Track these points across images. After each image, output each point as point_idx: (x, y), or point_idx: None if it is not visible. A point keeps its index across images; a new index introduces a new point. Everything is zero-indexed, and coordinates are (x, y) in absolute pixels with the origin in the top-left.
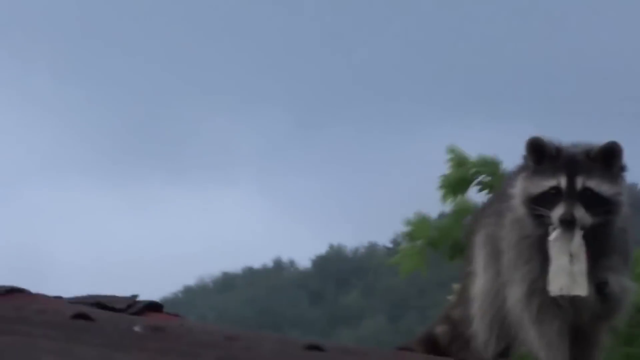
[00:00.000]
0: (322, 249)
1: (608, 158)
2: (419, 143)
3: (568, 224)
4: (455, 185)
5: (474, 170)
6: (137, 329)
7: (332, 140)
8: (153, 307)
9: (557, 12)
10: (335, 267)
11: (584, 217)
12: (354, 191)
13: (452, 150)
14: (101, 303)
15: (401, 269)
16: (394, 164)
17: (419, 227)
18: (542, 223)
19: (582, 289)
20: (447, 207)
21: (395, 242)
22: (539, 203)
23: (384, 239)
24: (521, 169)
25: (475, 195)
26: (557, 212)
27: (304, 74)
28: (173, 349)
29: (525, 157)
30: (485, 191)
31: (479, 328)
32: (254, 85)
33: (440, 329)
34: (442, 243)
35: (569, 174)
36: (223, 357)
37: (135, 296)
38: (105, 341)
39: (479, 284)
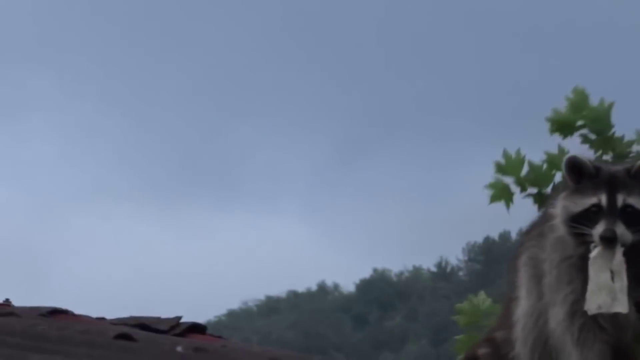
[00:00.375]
0: (366, 273)
1: None
2: (464, 169)
3: (609, 241)
4: (560, 126)
5: (583, 121)
6: (179, 349)
7: (377, 166)
8: (196, 328)
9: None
10: (380, 291)
11: (625, 234)
12: (398, 216)
13: (577, 91)
14: (144, 324)
15: (490, 196)
16: (439, 189)
17: (513, 163)
18: (584, 242)
19: (622, 306)
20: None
21: (439, 266)
22: (580, 221)
23: (429, 263)
24: (561, 188)
25: (577, 146)
26: (598, 230)
27: (349, 102)
28: None
29: (564, 177)
30: (587, 146)
31: (522, 351)
32: (301, 113)
33: (482, 351)
34: (531, 185)
35: (610, 191)
36: None
37: (178, 317)
38: None
39: (522, 307)
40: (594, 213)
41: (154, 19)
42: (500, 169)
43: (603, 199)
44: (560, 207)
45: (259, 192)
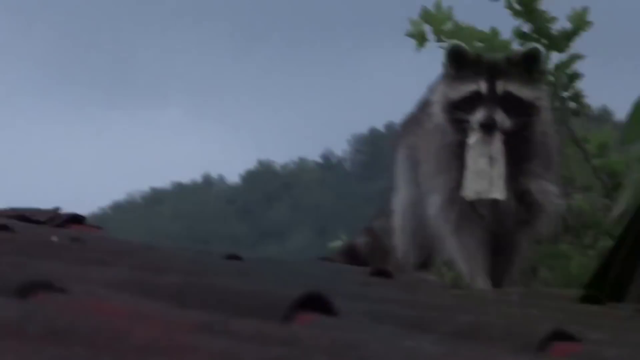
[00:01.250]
0: (251, 164)
1: (529, 63)
2: (351, 63)
3: (488, 127)
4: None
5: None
6: (54, 239)
7: (264, 58)
8: (75, 219)
9: None
10: (265, 182)
11: (505, 121)
12: (284, 108)
13: None
14: (23, 215)
15: (407, 32)
16: (326, 82)
17: (439, 14)
18: (463, 129)
19: (500, 192)
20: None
21: (325, 157)
22: (460, 108)
23: (314, 155)
24: (442, 76)
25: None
26: (478, 116)
27: None
28: (89, 257)
29: (445, 65)
30: (510, 13)
31: (400, 240)
32: (189, 4)
33: (361, 240)
34: (448, 38)
35: (490, 78)
36: (138, 266)
37: (57, 208)
38: (22, 251)
39: (400, 196)
40: (473, 100)
41: None
42: (426, 15)
43: (483, 85)
44: (439, 94)
45: (146, 85)
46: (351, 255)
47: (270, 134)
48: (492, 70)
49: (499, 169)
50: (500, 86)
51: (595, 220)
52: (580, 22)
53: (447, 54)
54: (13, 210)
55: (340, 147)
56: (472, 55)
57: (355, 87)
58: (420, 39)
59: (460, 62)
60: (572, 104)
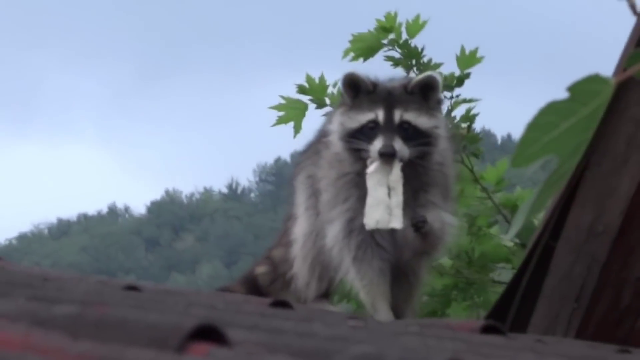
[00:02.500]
0: (157, 195)
1: (425, 91)
2: (257, 93)
3: (387, 156)
4: (366, 49)
5: (388, 41)
6: None
7: (172, 91)
8: None
9: None
10: (171, 213)
11: (403, 150)
12: (190, 138)
13: (389, 15)
14: None
15: (280, 117)
16: (230, 113)
17: (316, 87)
18: (361, 158)
19: (398, 221)
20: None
21: (230, 187)
22: (357, 137)
23: (220, 185)
24: (339, 105)
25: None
26: (376, 145)
27: (145, 26)
28: None
29: (342, 93)
30: (390, 64)
31: (300, 270)
32: (95, 40)
33: (260, 270)
34: (332, 105)
35: (387, 107)
36: (34, 297)
37: None
38: None
39: (300, 225)
40: (370, 129)
41: None
42: (302, 90)
43: (380, 114)
44: (337, 123)
45: (54, 117)
46: (252, 285)
47: (176, 164)
48: (389, 99)
49: (398, 198)
50: (398, 115)
51: (500, 255)
52: (470, 62)
53: (343, 83)
54: None
55: (245, 177)
56: (368, 83)
57: (260, 116)
58: (299, 116)
59: (356, 91)
60: (469, 145)
